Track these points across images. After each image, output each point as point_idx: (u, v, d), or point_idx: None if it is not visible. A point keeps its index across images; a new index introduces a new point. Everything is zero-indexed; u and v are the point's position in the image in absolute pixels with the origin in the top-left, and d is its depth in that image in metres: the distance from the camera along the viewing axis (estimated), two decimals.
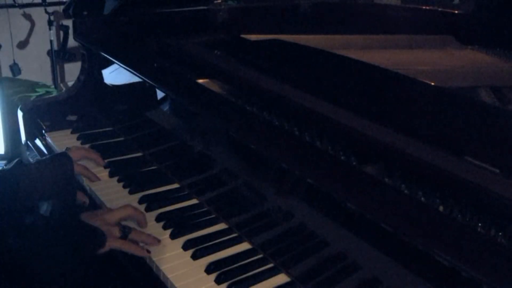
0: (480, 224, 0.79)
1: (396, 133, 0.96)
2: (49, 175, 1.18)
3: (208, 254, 1.08)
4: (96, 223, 1.05)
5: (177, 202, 1.27)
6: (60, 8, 3.29)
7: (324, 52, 1.27)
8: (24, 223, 1.01)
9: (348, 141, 0.99)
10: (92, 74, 1.73)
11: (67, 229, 1.03)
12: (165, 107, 1.43)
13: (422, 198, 0.85)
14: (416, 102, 1.06)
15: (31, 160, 1.62)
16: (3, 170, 1.17)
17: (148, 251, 1.07)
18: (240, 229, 1.15)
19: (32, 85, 3.09)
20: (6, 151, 2.11)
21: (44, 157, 1.47)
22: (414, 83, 1.08)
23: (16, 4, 3.21)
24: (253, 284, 1.01)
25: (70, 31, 3.10)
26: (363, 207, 0.84)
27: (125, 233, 1.08)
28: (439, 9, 1.87)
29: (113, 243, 1.05)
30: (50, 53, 3.52)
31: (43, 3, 3.19)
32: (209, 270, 1.04)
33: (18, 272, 0.96)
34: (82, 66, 1.77)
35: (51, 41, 3.43)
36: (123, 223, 1.11)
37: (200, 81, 1.31)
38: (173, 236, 1.13)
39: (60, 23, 3.49)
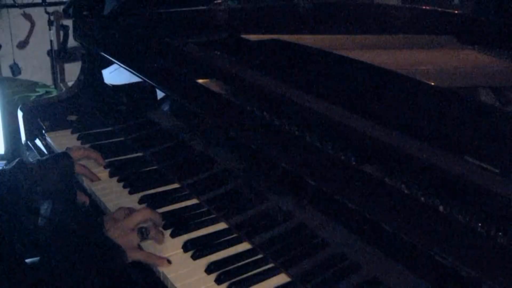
0: (480, 224, 0.79)
1: (396, 133, 0.96)
2: (50, 174, 1.18)
3: (208, 254, 1.08)
4: (116, 235, 1.03)
5: (177, 202, 1.27)
6: (60, 8, 3.29)
7: (324, 52, 1.27)
8: (29, 230, 1.01)
9: (348, 141, 0.99)
10: (92, 74, 1.73)
11: (91, 247, 1.01)
12: (165, 107, 1.43)
13: (422, 198, 0.85)
14: (416, 102, 1.06)
15: (31, 160, 1.62)
16: (3, 170, 1.17)
17: (169, 261, 1.05)
18: (240, 229, 1.15)
19: (32, 85, 3.08)
20: (6, 151, 2.11)
21: (44, 157, 1.48)
22: (414, 83, 1.08)
23: (16, 4, 3.21)
24: (253, 284, 1.01)
25: (70, 31, 3.11)
26: (363, 207, 0.84)
27: (143, 236, 1.07)
28: (439, 9, 1.86)
29: (134, 255, 1.04)
30: (50, 53, 3.53)
31: (43, 3, 3.19)
32: (209, 270, 1.04)
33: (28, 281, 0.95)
34: (82, 66, 1.77)
35: (51, 41, 3.44)
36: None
37: (200, 81, 1.31)
38: (173, 236, 1.14)
39: (60, 23, 3.50)
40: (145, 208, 1.14)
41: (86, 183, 1.36)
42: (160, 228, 1.14)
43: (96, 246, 1.01)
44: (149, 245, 1.10)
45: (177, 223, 1.17)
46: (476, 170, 0.85)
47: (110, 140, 1.60)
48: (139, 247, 1.08)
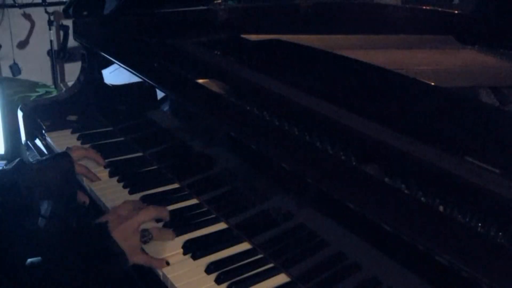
0: (480, 224, 0.79)
1: (396, 133, 0.96)
2: (50, 174, 1.18)
3: (208, 254, 1.08)
4: (120, 237, 1.02)
5: (177, 202, 1.27)
6: (60, 8, 3.28)
7: (324, 52, 1.27)
8: (29, 230, 1.01)
9: (348, 141, 0.99)
10: (92, 74, 1.73)
11: (92, 248, 1.01)
12: (165, 107, 1.43)
13: (422, 198, 0.85)
14: (416, 102, 1.06)
15: (31, 160, 1.62)
16: (3, 170, 1.17)
17: (168, 263, 1.05)
18: (240, 229, 1.15)
19: (32, 85, 3.08)
20: (6, 151, 2.11)
21: (44, 157, 1.48)
22: (414, 83, 1.08)
23: (16, 4, 3.21)
24: (253, 284, 1.01)
25: (70, 31, 3.11)
26: (363, 207, 0.84)
27: (145, 240, 1.06)
28: (439, 9, 1.87)
29: (135, 259, 1.04)
30: (50, 53, 3.52)
31: (43, 3, 3.19)
32: (209, 270, 1.04)
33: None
34: (82, 66, 1.77)
35: (51, 41, 3.44)
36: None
37: (200, 81, 1.31)
38: None
39: (60, 23, 3.49)
40: (149, 206, 1.13)
41: (86, 183, 1.36)
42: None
43: (98, 249, 1.01)
44: (150, 244, 1.09)
45: (177, 223, 1.17)
46: (476, 170, 0.85)
47: (110, 140, 1.59)
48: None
